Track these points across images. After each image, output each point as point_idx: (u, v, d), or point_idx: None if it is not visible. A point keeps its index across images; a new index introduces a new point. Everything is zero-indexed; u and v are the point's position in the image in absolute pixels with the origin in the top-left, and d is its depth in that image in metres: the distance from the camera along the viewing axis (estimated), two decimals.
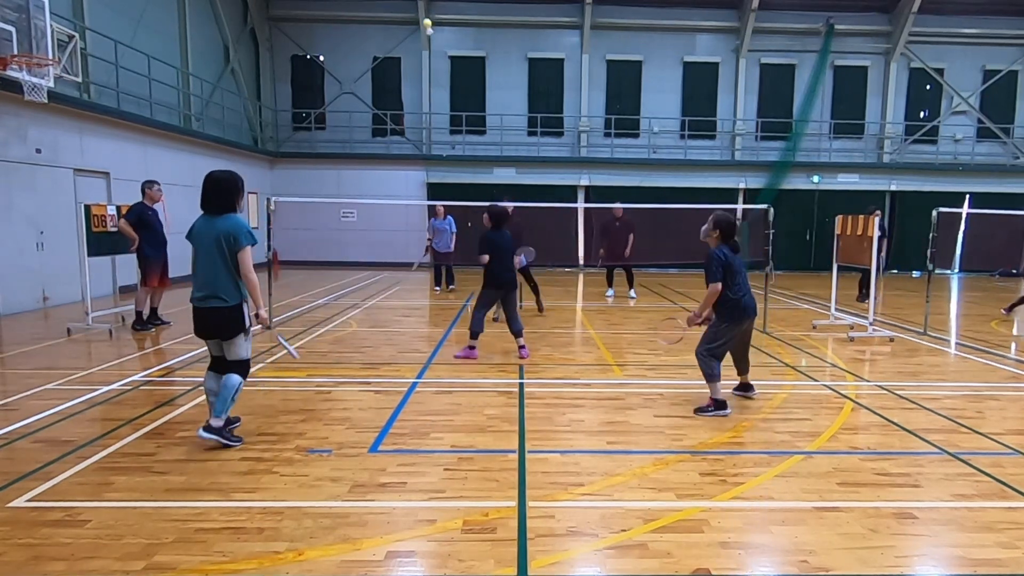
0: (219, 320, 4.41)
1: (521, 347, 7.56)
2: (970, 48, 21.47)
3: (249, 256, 4.40)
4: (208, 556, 3.07)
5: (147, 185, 9.06)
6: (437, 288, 14.11)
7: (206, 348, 4.73)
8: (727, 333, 5.47)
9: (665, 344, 7.95)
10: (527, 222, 13.41)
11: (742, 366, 5.87)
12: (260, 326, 4.60)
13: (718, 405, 5.39)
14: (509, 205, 11.31)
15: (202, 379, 6.29)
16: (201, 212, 4.54)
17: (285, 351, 5.21)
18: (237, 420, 4.90)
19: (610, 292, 13.38)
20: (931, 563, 3.21)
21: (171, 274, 9.56)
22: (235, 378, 4.51)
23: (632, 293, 13.27)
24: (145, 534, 3.28)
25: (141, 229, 8.81)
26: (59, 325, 9.13)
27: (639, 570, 3.02)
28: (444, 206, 13.28)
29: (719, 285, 5.33)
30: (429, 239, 13.54)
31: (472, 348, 7.49)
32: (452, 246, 13.47)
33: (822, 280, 16.50)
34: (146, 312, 9.14)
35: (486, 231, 7.52)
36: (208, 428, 4.44)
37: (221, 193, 4.47)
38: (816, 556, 3.15)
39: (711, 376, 5.44)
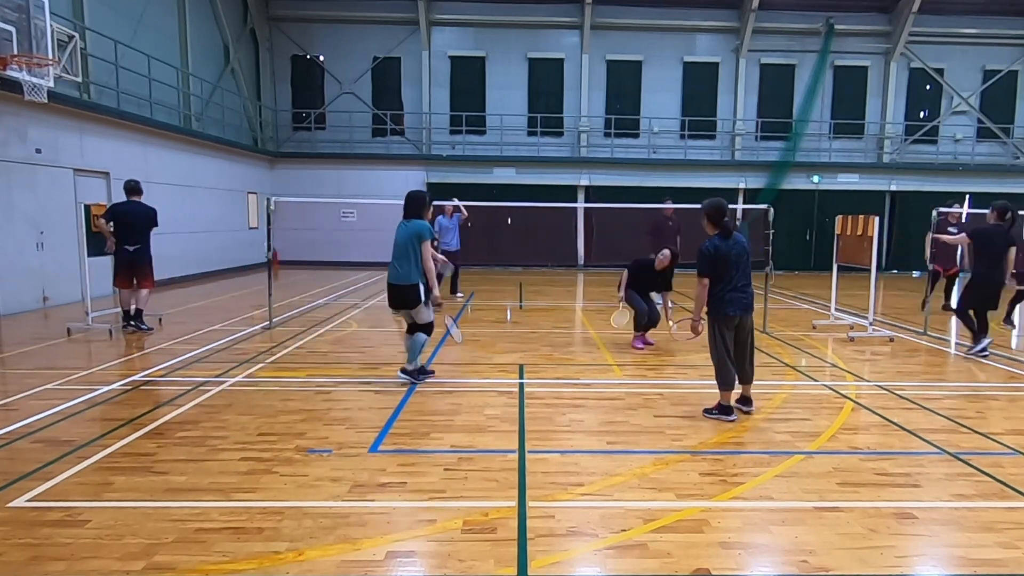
0: (405, 294, 6.02)
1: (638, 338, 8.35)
2: (970, 48, 21.47)
3: (428, 248, 5.99)
4: (208, 556, 3.07)
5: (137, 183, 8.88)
6: (459, 294, 13.02)
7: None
8: (717, 331, 5.23)
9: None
10: (527, 222, 13.37)
11: (741, 373, 5.37)
12: (433, 304, 6.18)
13: (722, 410, 5.24)
14: (669, 207, 11.54)
15: (202, 379, 6.36)
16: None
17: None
18: (432, 372, 6.57)
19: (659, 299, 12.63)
20: (931, 563, 3.21)
21: (172, 274, 9.46)
22: (421, 336, 6.18)
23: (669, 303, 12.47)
24: (145, 534, 3.28)
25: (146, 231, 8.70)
26: (59, 325, 9.13)
27: (639, 570, 3.02)
28: (453, 205, 12.56)
29: (704, 281, 5.15)
30: (436, 241, 12.73)
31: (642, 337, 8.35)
32: (456, 245, 12.68)
33: (822, 280, 16.50)
34: (132, 311, 8.91)
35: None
36: (404, 371, 6.29)
37: (411, 205, 6.13)
38: (816, 556, 3.15)
39: (720, 382, 5.24)
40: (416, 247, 5.94)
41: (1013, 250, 7.72)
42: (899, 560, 3.15)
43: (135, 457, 4.32)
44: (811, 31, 21.13)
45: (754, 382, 5.53)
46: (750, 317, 5.30)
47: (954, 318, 8.38)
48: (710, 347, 5.34)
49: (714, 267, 5.12)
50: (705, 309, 5.29)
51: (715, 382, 5.35)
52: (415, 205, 6.13)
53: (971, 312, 7.92)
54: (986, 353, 7.81)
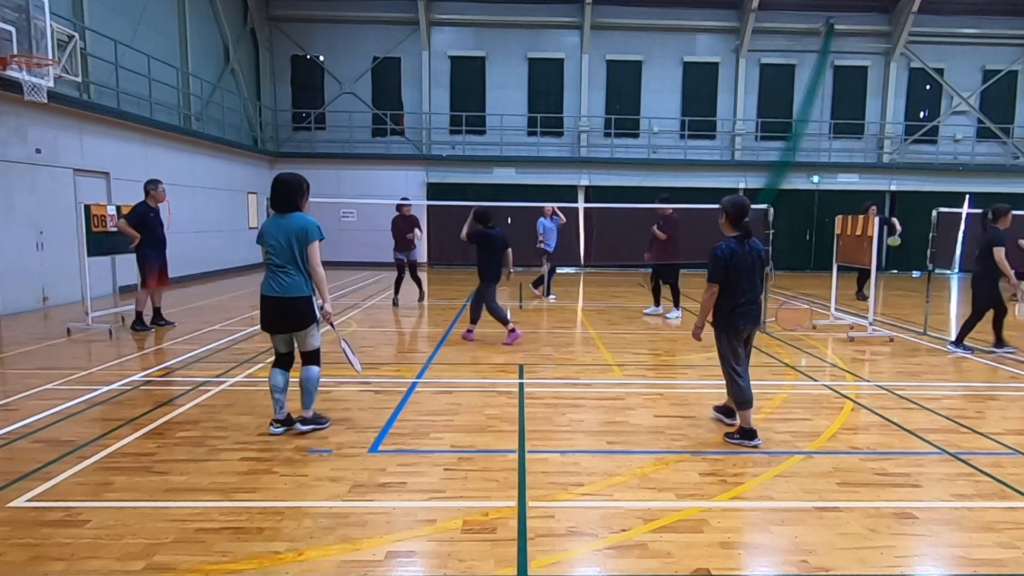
0: (292, 312, 4.62)
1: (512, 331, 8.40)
2: (970, 48, 21.48)
3: (317, 250, 4.65)
4: (208, 556, 3.07)
5: (151, 186, 8.93)
6: (553, 297, 13.03)
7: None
8: (727, 345, 4.77)
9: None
10: (527, 222, 13.38)
11: None
12: (325, 321, 4.79)
13: (745, 434, 4.70)
14: (662, 207, 10.62)
15: (202, 379, 6.33)
16: (271, 214, 4.76)
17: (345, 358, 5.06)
18: (327, 420, 5.01)
19: (649, 309, 11.15)
20: (931, 563, 3.21)
21: (172, 274, 9.47)
22: (314, 370, 4.80)
23: (672, 314, 10.60)
24: (145, 534, 3.28)
25: (141, 229, 8.74)
26: (59, 325, 9.13)
27: (639, 570, 3.02)
28: (553, 206, 12.58)
29: (714, 287, 4.64)
30: (541, 240, 12.66)
31: (513, 331, 8.37)
32: (554, 246, 12.67)
33: (822, 280, 16.50)
34: (148, 312, 9.11)
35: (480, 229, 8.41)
36: (303, 421, 4.81)
37: (284, 194, 4.67)
38: (816, 556, 3.15)
39: (739, 402, 4.75)
40: (301, 250, 4.59)
41: (1000, 250, 7.72)
42: (899, 560, 3.15)
43: (135, 457, 4.32)
44: (811, 31, 21.14)
45: (754, 382, 5.32)
46: (755, 330, 4.92)
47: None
48: (721, 363, 4.84)
49: (727, 272, 4.60)
50: (711, 319, 4.81)
51: (724, 393, 5.04)
52: (290, 193, 4.65)
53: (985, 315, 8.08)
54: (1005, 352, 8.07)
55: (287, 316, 4.63)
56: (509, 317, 8.53)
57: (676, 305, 10.79)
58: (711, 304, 4.73)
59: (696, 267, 18.14)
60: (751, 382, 4.89)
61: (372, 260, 19.91)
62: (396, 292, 11.99)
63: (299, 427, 4.79)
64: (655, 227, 10.50)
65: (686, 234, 10.60)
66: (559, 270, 13.94)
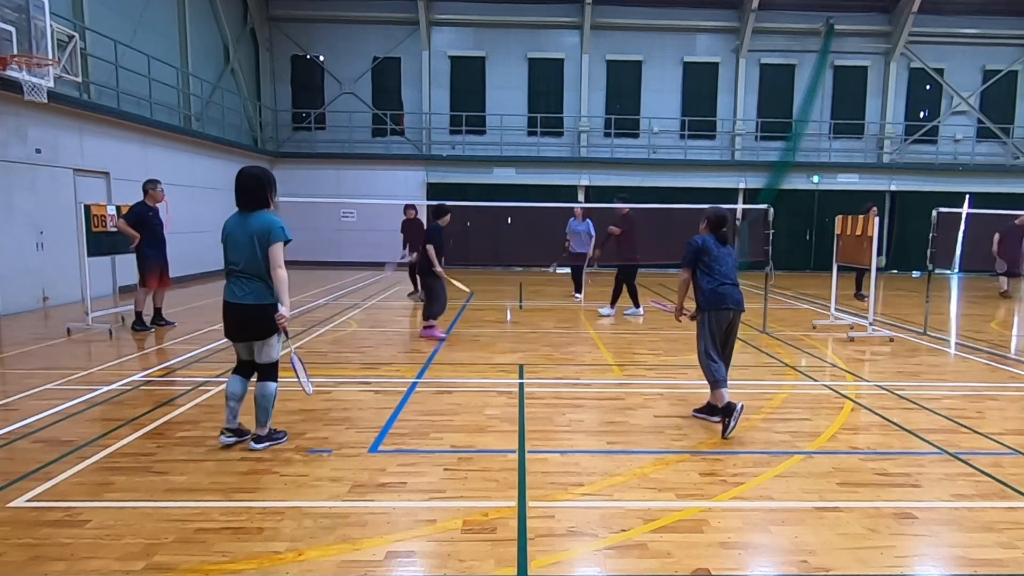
0: (253, 319, 4.33)
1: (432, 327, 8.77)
2: (970, 48, 21.48)
3: (280, 252, 4.29)
4: (208, 556, 3.07)
5: (150, 186, 8.96)
6: (578, 296, 12.99)
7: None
8: (706, 324, 5.04)
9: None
10: (527, 222, 13.44)
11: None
12: (280, 328, 4.40)
13: (726, 411, 4.81)
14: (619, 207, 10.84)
15: (202, 379, 6.33)
16: (235, 211, 4.45)
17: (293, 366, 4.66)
18: (284, 434, 4.73)
19: (629, 311, 11.04)
20: (931, 563, 3.21)
21: (172, 274, 9.47)
22: (271, 386, 4.50)
23: (631, 310, 10.96)
24: (145, 534, 3.28)
25: (140, 229, 8.75)
26: (59, 325, 9.13)
27: (639, 570, 3.02)
28: (583, 208, 12.75)
29: (686, 271, 5.08)
30: (567, 241, 12.81)
31: (430, 327, 8.81)
32: (589, 248, 12.64)
33: (822, 280, 16.50)
34: (148, 312, 9.11)
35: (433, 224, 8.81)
36: (257, 439, 4.48)
37: (253, 189, 4.35)
38: (816, 556, 3.15)
39: (712, 381, 4.96)
40: (263, 252, 4.26)
41: None
42: (899, 560, 3.15)
43: (135, 457, 4.32)
44: (811, 31, 21.13)
45: (754, 382, 5.46)
46: (739, 318, 5.15)
47: None
48: (697, 342, 5.12)
49: (697, 256, 5.03)
50: (695, 305, 5.13)
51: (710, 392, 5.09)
52: (257, 187, 4.35)
53: None
54: None
55: (247, 324, 4.35)
56: (435, 319, 8.86)
57: (626, 301, 10.97)
58: (685, 287, 5.17)
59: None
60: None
61: (372, 260, 19.90)
62: (414, 284, 12.56)
63: (253, 445, 4.42)
64: (611, 225, 10.76)
65: (642, 233, 10.87)
66: (561, 270, 13.91)
